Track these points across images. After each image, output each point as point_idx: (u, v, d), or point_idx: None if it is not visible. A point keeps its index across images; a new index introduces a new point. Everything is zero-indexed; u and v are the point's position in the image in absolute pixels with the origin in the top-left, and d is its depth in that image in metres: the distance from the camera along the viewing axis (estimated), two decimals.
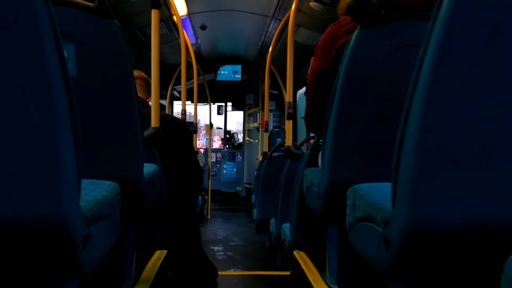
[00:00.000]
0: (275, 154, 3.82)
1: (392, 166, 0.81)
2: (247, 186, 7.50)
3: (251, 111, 7.75)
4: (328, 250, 1.52)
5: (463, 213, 0.76)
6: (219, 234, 4.97)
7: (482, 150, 0.74)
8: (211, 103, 6.73)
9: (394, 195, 0.80)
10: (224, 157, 7.95)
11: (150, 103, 2.29)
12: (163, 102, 5.59)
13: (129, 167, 1.23)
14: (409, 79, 0.77)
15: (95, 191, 0.91)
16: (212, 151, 7.09)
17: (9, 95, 0.66)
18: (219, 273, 2.45)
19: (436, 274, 0.86)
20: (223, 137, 8.31)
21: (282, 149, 2.99)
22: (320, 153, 1.56)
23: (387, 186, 0.86)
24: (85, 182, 0.81)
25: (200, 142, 8.15)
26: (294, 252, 1.86)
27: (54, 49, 0.67)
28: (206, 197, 6.13)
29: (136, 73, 2.14)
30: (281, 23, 3.62)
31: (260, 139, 6.60)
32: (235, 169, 7.89)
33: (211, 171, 6.88)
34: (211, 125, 6.70)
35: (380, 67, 1.20)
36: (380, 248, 0.85)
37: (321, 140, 1.59)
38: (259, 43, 5.83)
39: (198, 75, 5.17)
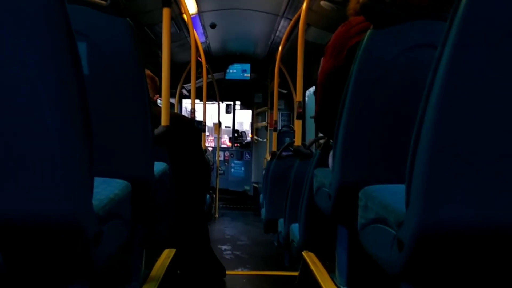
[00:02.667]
0: (284, 153, 3.82)
1: (403, 167, 0.80)
2: (255, 185, 7.50)
3: (259, 110, 7.75)
4: (338, 251, 1.52)
5: (478, 214, 0.75)
6: (227, 233, 4.97)
7: (497, 152, 0.73)
8: (220, 102, 6.74)
9: (408, 196, 0.79)
10: (232, 155, 7.95)
11: (158, 101, 2.30)
12: (172, 100, 5.61)
13: (140, 165, 1.23)
14: (421, 79, 0.76)
15: (107, 189, 0.91)
16: (220, 150, 7.09)
17: (23, 92, 0.66)
18: (227, 272, 2.45)
19: (449, 276, 0.85)
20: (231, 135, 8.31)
21: (291, 148, 2.98)
22: (330, 153, 1.55)
23: (399, 188, 0.85)
24: (97, 181, 0.81)
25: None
26: (303, 253, 1.86)
27: (68, 47, 0.67)
28: (214, 195, 6.13)
29: None
30: (291, 22, 3.61)
31: (268, 138, 6.60)
32: (243, 168, 7.88)
33: (219, 169, 6.89)
34: (219, 123, 6.70)
35: (392, 67, 1.19)
36: (393, 250, 0.84)
37: (331, 140, 1.58)
38: (269, 42, 5.82)
39: (207, 73, 5.17)
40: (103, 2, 1.13)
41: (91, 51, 1.13)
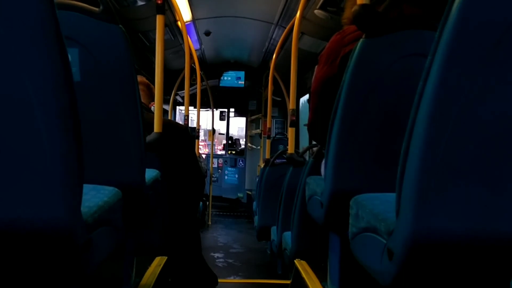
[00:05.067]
0: (277, 161, 3.82)
1: (396, 176, 0.80)
2: (249, 192, 7.48)
3: (253, 117, 7.75)
4: (330, 259, 1.51)
5: (468, 224, 0.76)
6: (220, 241, 4.95)
7: (488, 161, 0.74)
8: (214, 109, 6.74)
9: (398, 205, 0.79)
10: (226, 163, 7.93)
11: (152, 108, 2.29)
12: (166, 107, 5.60)
13: (131, 172, 1.22)
14: (413, 88, 0.76)
15: (96, 196, 0.90)
16: (214, 157, 7.07)
17: (13, 98, 0.65)
18: (219, 280, 2.44)
19: (439, 286, 0.85)
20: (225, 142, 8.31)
21: (285, 156, 2.99)
22: (322, 161, 1.55)
23: (391, 197, 0.86)
24: (86, 188, 0.81)
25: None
26: (295, 261, 1.85)
27: (58, 53, 0.67)
28: (207, 203, 6.11)
29: (137, 78, 2.14)
30: (285, 30, 3.63)
31: (262, 145, 6.60)
32: (236, 175, 7.87)
33: (213, 176, 6.86)
34: (213, 130, 6.69)
35: (384, 76, 1.19)
36: (383, 259, 0.84)
37: (324, 149, 1.58)
38: (263, 50, 5.84)
39: (202, 80, 5.18)
40: (96, 9, 1.13)
41: (83, 57, 1.13)
